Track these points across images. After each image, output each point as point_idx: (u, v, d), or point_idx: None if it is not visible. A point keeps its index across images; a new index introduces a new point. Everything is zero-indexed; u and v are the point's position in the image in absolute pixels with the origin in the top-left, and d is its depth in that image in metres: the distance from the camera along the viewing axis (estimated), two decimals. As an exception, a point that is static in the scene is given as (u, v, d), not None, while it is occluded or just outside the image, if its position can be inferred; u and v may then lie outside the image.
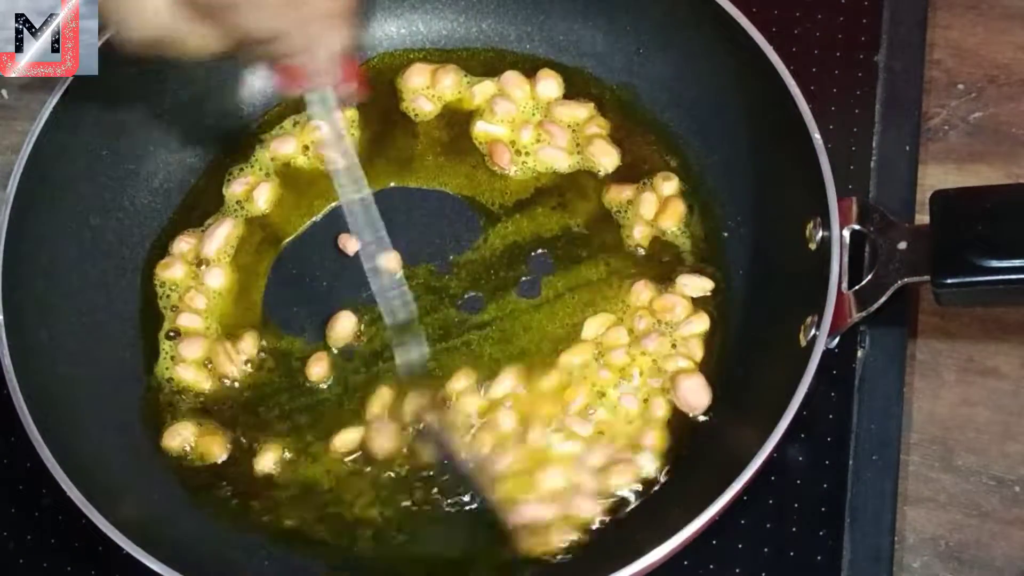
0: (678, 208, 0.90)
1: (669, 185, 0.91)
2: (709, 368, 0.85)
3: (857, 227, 0.83)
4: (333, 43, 0.73)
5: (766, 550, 0.80)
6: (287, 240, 0.92)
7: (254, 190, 0.93)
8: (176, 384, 0.88)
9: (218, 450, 0.86)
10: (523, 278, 0.89)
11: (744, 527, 0.81)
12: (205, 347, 0.89)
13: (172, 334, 0.89)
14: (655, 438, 0.83)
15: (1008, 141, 0.92)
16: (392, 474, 0.84)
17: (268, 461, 0.85)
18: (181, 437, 0.86)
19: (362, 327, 0.89)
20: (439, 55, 0.98)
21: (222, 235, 0.92)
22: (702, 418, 0.83)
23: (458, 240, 0.91)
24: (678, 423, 0.84)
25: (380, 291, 0.82)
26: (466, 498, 0.82)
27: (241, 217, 0.93)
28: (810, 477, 0.82)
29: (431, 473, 0.83)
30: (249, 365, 0.88)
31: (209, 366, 0.88)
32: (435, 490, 0.83)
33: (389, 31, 0.99)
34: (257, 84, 0.96)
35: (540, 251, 0.90)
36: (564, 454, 0.83)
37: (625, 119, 0.94)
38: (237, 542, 0.82)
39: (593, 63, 0.96)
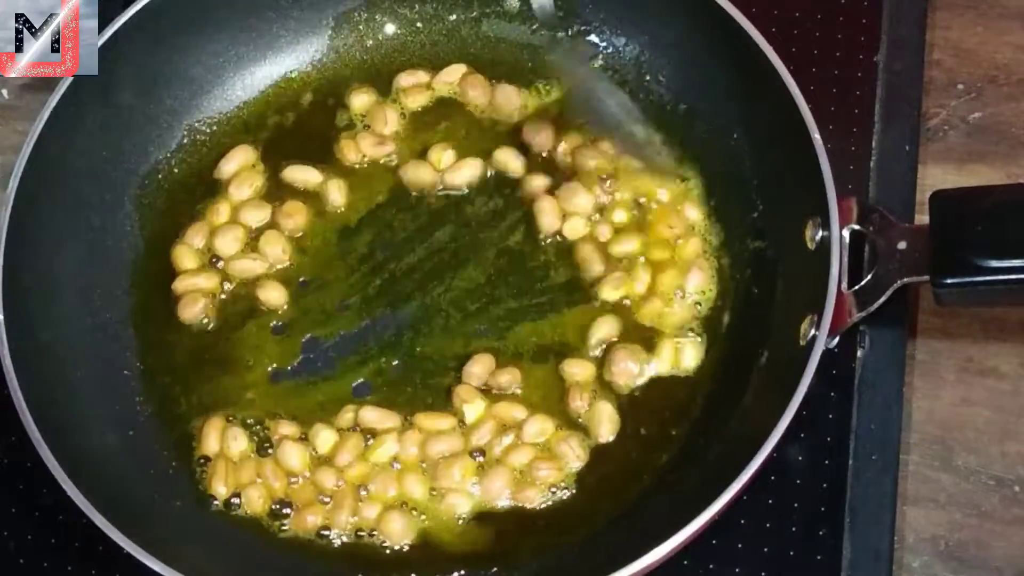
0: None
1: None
2: (708, 368, 0.85)
3: (857, 227, 0.83)
4: None
5: (766, 550, 0.80)
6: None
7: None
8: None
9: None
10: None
11: (744, 527, 0.81)
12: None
13: None
14: None
15: (1008, 141, 0.92)
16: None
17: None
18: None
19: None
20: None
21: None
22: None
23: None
24: (677, 419, 0.84)
25: None
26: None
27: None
28: (810, 477, 0.82)
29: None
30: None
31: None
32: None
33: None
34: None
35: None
36: None
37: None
38: (239, 542, 0.82)
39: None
